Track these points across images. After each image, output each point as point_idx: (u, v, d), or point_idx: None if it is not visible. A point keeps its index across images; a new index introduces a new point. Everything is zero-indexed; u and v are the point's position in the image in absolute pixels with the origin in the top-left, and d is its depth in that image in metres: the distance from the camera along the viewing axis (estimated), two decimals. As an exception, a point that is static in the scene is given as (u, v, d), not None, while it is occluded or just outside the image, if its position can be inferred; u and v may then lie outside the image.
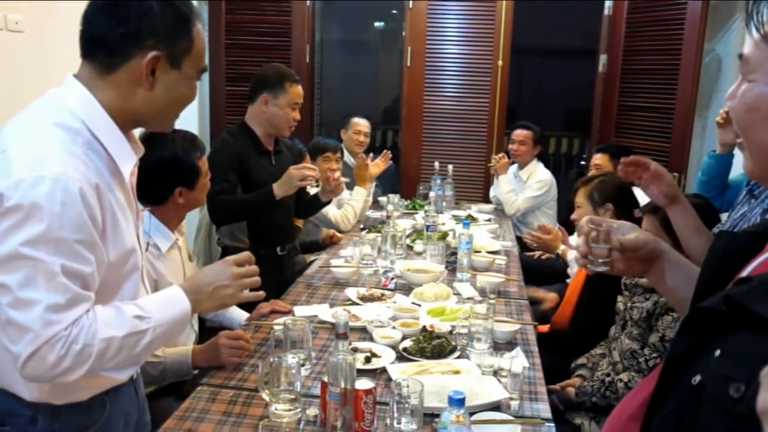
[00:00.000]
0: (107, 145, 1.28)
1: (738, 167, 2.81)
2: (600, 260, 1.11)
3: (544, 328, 2.81)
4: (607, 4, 4.67)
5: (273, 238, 3.01)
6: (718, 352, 0.71)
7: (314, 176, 2.90)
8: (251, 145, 2.95)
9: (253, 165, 2.92)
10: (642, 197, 2.51)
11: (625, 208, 2.59)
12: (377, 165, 4.02)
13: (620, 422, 0.92)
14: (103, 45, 1.26)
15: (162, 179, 2.05)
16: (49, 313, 1.15)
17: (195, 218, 3.87)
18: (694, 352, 0.76)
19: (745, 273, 0.84)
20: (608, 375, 2.19)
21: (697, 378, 0.73)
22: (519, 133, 4.59)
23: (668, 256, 1.09)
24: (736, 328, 0.70)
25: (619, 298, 2.31)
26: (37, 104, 1.28)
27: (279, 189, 2.81)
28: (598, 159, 3.89)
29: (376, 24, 8.40)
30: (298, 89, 2.96)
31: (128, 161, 1.33)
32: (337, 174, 3.37)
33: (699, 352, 0.74)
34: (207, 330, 2.34)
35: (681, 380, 0.76)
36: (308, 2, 4.80)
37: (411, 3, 4.81)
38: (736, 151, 2.00)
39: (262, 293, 1.56)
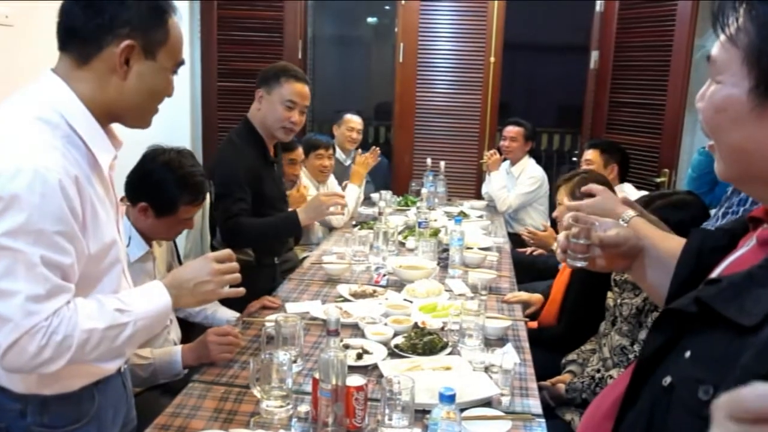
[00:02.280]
0: (86, 137, 1.28)
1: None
2: (579, 255, 1.12)
3: (533, 324, 2.81)
4: (599, 2, 4.68)
5: (275, 249, 2.91)
6: (688, 354, 0.70)
7: (344, 204, 2.77)
8: (260, 154, 2.72)
9: (264, 177, 2.71)
10: (633, 195, 2.50)
11: None
12: (367, 163, 4.00)
13: (595, 421, 0.92)
14: (78, 35, 1.27)
15: (144, 180, 2.05)
16: (29, 304, 1.15)
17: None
18: (665, 353, 0.75)
19: (715, 273, 0.83)
20: (598, 371, 2.20)
21: (668, 379, 0.72)
22: (510, 130, 4.60)
23: (650, 252, 1.09)
24: (706, 330, 0.70)
25: (609, 294, 2.32)
26: (15, 99, 1.28)
27: (305, 215, 2.67)
28: (589, 155, 3.89)
29: (369, 20, 8.37)
30: (297, 86, 2.66)
31: (107, 154, 1.33)
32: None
33: (670, 353, 0.74)
34: (195, 329, 2.33)
35: (652, 380, 0.76)
36: (300, -2, 4.78)
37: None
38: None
39: (242, 289, 1.55)
